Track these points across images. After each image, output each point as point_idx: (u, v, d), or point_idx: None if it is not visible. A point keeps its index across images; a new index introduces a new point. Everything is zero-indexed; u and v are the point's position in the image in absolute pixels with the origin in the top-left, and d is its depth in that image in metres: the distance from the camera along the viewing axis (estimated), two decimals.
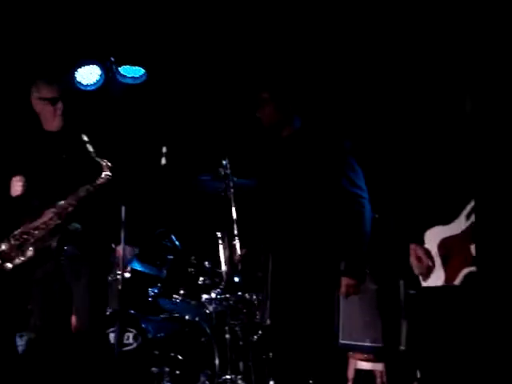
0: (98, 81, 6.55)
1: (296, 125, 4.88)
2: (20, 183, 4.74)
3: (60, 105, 4.80)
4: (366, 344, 5.49)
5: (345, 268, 4.68)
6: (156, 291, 6.10)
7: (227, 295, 5.50)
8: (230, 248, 5.24)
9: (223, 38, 6.66)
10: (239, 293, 5.49)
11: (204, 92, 6.94)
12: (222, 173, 5.22)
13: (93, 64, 6.52)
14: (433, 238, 4.34)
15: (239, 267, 5.07)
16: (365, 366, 5.50)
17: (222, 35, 6.64)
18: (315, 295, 4.72)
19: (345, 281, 4.68)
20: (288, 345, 4.77)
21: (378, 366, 5.41)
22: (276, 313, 4.81)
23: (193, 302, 5.95)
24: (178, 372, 5.63)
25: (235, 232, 4.95)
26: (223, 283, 5.57)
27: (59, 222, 4.66)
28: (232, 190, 5.08)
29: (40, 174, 4.78)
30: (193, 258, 5.95)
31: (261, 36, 6.51)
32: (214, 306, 5.72)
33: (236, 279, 5.49)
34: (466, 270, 4.17)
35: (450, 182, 4.36)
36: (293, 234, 4.77)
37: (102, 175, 4.61)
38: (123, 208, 4.69)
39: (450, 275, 4.22)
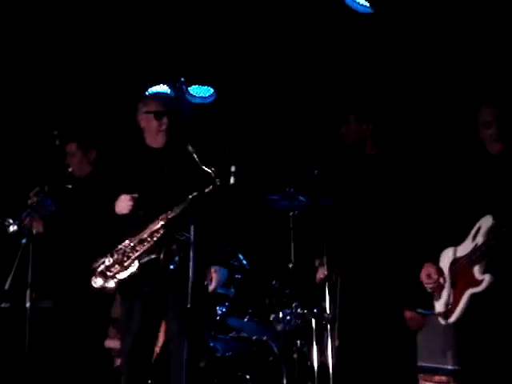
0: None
1: (381, 144, 4.89)
2: (130, 203, 4.69)
3: (165, 120, 4.80)
4: (444, 367, 5.42)
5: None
6: (224, 310, 6.10)
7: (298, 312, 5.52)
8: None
9: (296, 56, 6.68)
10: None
11: (273, 111, 6.96)
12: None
13: (163, 85, 6.59)
14: (446, 258, 4.37)
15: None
16: None
17: (295, 53, 6.66)
18: (387, 317, 4.69)
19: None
20: (359, 366, 4.74)
21: None
22: (346, 333, 4.79)
23: (261, 322, 5.95)
24: None
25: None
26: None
27: (165, 231, 4.64)
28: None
29: (143, 188, 4.76)
30: (274, 282, 5.97)
31: (340, 55, 6.53)
32: (282, 325, 5.71)
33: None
34: (469, 292, 4.22)
35: (464, 203, 4.35)
36: (366, 255, 4.76)
37: (211, 184, 4.60)
38: (192, 227, 4.68)
39: (456, 296, 4.26)
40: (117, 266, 4.66)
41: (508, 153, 4.35)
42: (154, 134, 4.83)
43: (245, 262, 6.26)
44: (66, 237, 5.50)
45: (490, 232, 4.17)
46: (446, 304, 4.33)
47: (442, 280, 4.35)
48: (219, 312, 6.11)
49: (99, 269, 4.68)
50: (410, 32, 6.10)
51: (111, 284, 4.66)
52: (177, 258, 4.63)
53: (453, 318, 4.31)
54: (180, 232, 4.65)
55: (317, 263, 5.21)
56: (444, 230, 4.43)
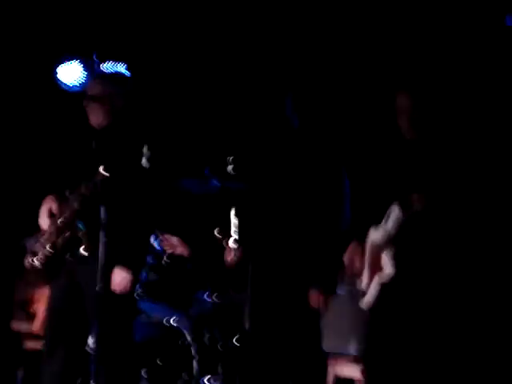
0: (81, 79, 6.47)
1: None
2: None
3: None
4: (348, 350, 5.48)
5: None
6: (138, 292, 6.04)
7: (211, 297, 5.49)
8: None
9: (211, 32, 6.61)
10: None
11: (188, 90, 6.89)
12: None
13: (75, 61, 6.43)
14: (370, 237, 4.39)
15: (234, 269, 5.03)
16: (346, 372, 5.49)
17: (211, 30, 6.59)
18: (297, 300, 4.70)
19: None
20: (268, 350, 4.74)
21: (358, 373, 5.39)
22: (256, 317, 4.78)
23: (172, 305, 5.91)
24: (156, 376, 5.58)
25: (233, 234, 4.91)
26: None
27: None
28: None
29: None
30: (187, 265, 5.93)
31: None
32: (193, 309, 5.70)
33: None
34: (376, 278, 4.29)
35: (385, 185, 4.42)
36: (278, 237, 4.76)
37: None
38: (103, 209, 4.60)
39: (370, 280, 4.31)
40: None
41: (422, 140, 4.40)
42: None
43: (157, 245, 6.19)
44: None
45: (395, 221, 4.23)
46: (364, 287, 4.36)
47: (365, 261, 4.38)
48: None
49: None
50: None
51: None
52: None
53: (364, 304, 4.34)
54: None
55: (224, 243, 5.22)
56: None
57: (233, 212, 4.85)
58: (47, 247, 4.70)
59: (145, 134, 4.82)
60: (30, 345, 5.93)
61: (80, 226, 4.70)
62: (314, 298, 4.66)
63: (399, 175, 4.42)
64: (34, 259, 4.72)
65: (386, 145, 4.68)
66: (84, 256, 4.66)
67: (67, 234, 4.71)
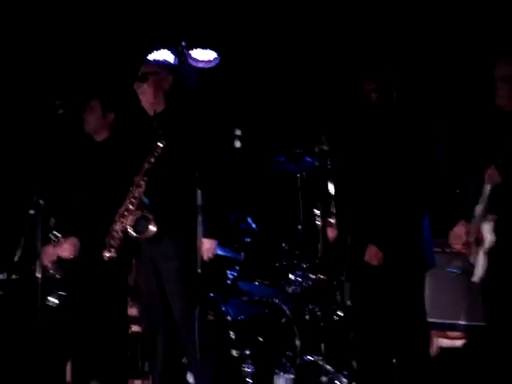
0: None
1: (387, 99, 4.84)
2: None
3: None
4: (453, 322, 5.44)
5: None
6: (234, 274, 6.10)
7: (309, 275, 5.52)
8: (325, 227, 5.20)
9: (299, 15, 6.61)
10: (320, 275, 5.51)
11: (277, 72, 6.90)
12: (317, 150, 5.16)
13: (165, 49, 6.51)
14: (477, 214, 4.36)
15: (334, 246, 5.04)
16: (449, 343, 5.45)
17: (298, 13, 6.59)
18: (399, 275, 4.67)
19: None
20: (371, 325, 4.73)
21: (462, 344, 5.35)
22: (357, 292, 4.78)
23: (271, 284, 5.95)
24: (259, 354, 5.63)
25: (333, 210, 4.91)
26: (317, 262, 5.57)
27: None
28: (329, 167, 5.00)
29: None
30: (284, 244, 5.95)
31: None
32: (293, 287, 5.72)
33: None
34: (481, 250, 4.27)
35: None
36: (377, 214, 4.74)
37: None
38: (199, 192, 4.67)
39: (477, 254, 4.30)
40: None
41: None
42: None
43: (254, 225, 6.24)
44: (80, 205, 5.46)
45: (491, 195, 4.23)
46: (474, 262, 4.35)
47: (470, 238, 4.36)
48: (230, 276, 6.11)
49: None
50: None
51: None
52: None
53: (475, 278, 4.31)
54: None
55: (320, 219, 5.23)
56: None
57: (331, 188, 4.84)
58: (119, 232, 4.81)
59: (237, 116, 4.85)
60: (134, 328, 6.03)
61: (146, 202, 4.79)
62: (371, 254, 4.64)
63: (488, 143, 4.36)
64: (106, 252, 4.83)
65: (479, 111, 4.61)
66: (155, 233, 4.75)
67: (137, 214, 4.81)
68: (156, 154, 4.74)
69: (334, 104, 6.03)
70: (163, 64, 5.40)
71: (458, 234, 4.43)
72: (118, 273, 5.15)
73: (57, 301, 5.07)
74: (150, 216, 4.74)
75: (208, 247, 4.74)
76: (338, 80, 6.32)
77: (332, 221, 4.89)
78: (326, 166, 4.91)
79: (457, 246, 4.44)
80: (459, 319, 5.53)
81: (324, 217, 5.26)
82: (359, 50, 6.06)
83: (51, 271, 5.17)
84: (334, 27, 6.57)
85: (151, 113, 4.92)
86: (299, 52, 6.76)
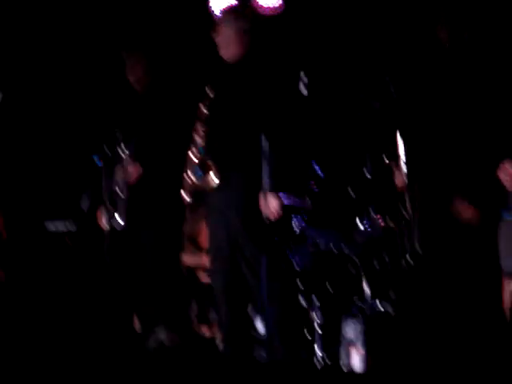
0: None
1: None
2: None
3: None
4: None
5: None
6: (302, 223, 6.07)
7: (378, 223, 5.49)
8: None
9: None
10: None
11: (343, 18, 6.80)
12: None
13: None
14: None
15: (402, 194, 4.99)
16: None
17: None
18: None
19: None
20: (440, 270, 4.68)
21: None
22: (427, 238, 4.72)
23: (339, 232, 5.92)
24: (327, 303, 5.62)
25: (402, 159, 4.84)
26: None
27: None
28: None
29: None
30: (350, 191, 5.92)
31: None
32: (361, 236, 5.68)
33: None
34: None
35: None
36: (448, 161, 4.64)
37: None
38: (263, 138, 4.63)
39: None
40: None
41: None
42: None
43: (320, 172, 6.20)
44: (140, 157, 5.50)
45: None
46: None
47: None
48: (297, 225, 6.08)
49: None
50: None
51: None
52: None
53: None
54: None
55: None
56: None
57: (399, 135, 4.77)
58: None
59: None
60: (203, 278, 6.08)
61: (201, 150, 4.77)
62: (464, 209, 4.55)
63: None
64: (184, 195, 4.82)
65: None
66: (216, 183, 4.73)
67: (200, 162, 4.77)
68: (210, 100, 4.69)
69: (402, 48, 5.90)
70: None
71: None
72: (173, 219, 5.20)
73: (122, 222, 5.11)
74: (212, 165, 4.72)
75: (274, 205, 4.71)
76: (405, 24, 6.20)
77: (399, 170, 4.83)
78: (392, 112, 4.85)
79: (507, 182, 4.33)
80: None
81: (392, 165, 5.19)
82: None
83: (117, 190, 5.24)
84: None
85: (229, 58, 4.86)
86: None
